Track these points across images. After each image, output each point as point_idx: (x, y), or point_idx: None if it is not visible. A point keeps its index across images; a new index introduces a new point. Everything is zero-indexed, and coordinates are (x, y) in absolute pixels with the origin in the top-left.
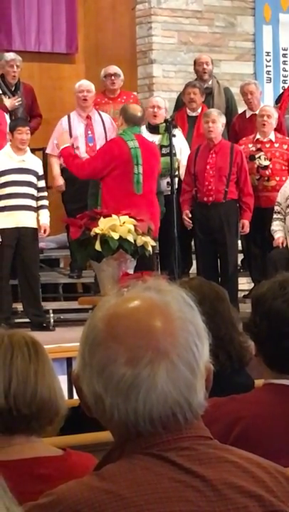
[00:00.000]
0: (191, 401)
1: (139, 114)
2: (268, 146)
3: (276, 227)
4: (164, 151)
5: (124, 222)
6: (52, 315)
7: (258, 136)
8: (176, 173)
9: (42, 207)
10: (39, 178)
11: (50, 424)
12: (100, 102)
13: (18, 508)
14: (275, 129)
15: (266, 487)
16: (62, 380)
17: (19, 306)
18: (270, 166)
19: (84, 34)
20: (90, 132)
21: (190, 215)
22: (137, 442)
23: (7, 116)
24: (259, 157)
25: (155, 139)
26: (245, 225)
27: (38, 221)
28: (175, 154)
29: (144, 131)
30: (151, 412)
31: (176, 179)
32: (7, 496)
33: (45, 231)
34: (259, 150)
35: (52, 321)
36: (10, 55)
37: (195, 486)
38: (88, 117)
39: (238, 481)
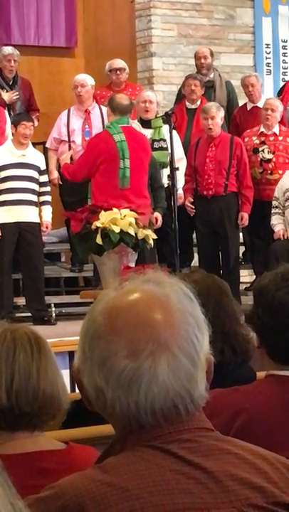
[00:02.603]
0: (193, 393)
1: (126, 103)
2: (271, 139)
3: (275, 220)
4: (156, 145)
5: (125, 216)
6: (54, 309)
7: (262, 129)
8: (174, 165)
9: (44, 203)
10: (41, 172)
11: (53, 419)
12: (105, 95)
13: (23, 503)
14: (279, 122)
15: (268, 478)
16: (65, 374)
17: (20, 301)
18: (274, 159)
19: (83, 27)
20: (87, 126)
21: (192, 200)
22: (138, 435)
23: (6, 112)
24: (262, 150)
25: (147, 133)
26: (244, 217)
27: (40, 217)
28: (166, 148)
29: (136, 125)
30: (152, 405)
31: (168, 172)
32: (11, 491)
33: (47, 227)
34: (263, 143)
35: (54, 315)
36: (7, 50)
37: (197, 478)
38: (87, 111)
39: (240, 472)
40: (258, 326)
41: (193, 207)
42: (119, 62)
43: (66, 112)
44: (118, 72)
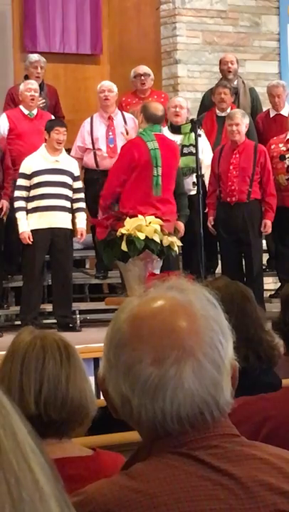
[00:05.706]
0: (218, 399)
1: (160, 114)
2: None
3: None
4: (186, 150)
5: (150, 223)
6: (78, 315)
7: (288, 136)
8: (199, 173)
9: (78, 209)
10: (75, 179)
11: (80, 426)
12: (130, 102)
13: (73, 510)
14: None
15: None
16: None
17: (46, 307)
18: None
19: (108, 35)
20: (110, 133)
21: (212, 223)
22: (165, 441)
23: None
24: None
25: (177, 138)
26: (267, 225)
27: (74, 224)
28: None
29: (166, 131)
30: (178, 412)
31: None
32: (67, 503)
33: (82, 234)
34: None
35: (78, 321)
36: (34, 57)
37: (224, 484)
38: (110, 118)
39: (267, 478)
40: (285, 332)
41: (214, 230)
42: (144, 68)
43: (89, 119)
44: (143, 77)
